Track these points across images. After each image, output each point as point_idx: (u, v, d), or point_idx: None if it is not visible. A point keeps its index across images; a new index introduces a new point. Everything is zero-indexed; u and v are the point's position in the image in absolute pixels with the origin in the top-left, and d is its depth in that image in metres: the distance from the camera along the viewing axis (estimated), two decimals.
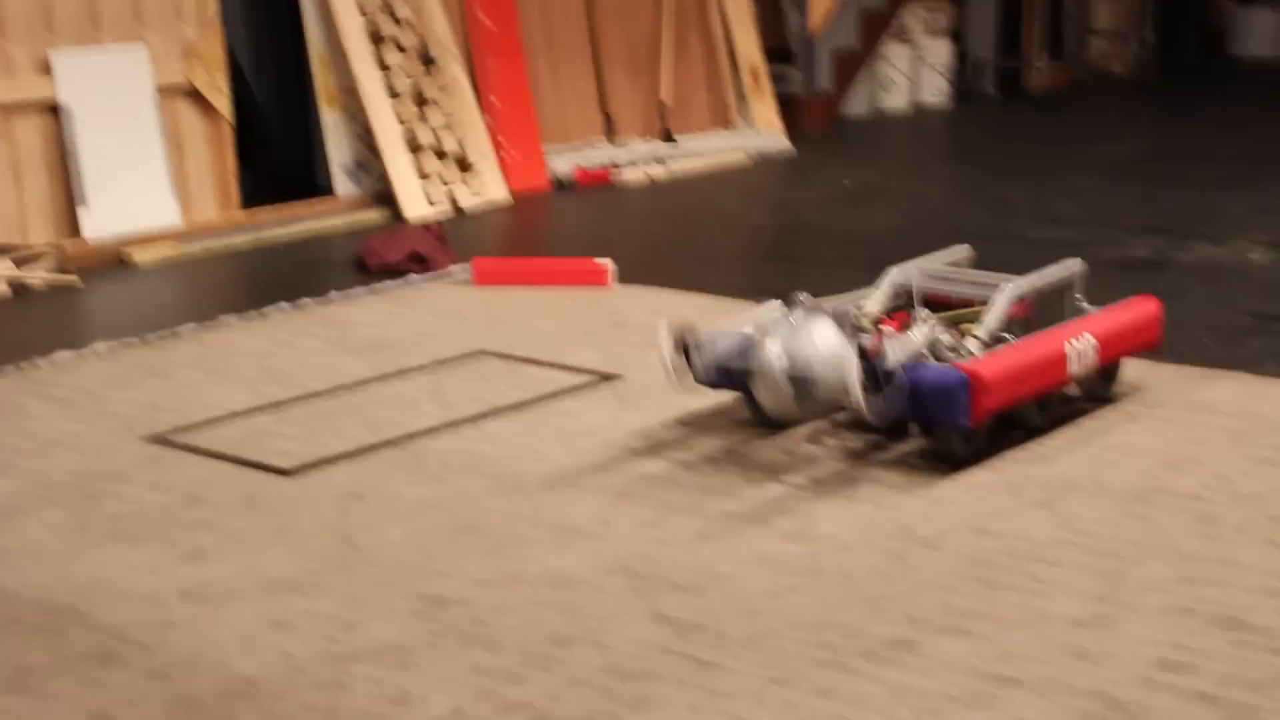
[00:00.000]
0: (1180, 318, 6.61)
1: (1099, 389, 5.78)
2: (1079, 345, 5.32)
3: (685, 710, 3.69)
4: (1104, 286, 7.08)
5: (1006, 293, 5.46)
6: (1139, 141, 10.75)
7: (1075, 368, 5.34)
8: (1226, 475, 4.96)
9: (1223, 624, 4.02)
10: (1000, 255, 7.74)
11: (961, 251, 6.30)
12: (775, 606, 4.19)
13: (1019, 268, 7.45)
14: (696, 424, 5.60)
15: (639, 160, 10.25)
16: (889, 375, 4.95)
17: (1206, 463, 5.06)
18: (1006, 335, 5.43)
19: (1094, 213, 8.71)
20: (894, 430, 5.37)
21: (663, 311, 6.96)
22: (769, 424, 5.52)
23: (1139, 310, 5.86)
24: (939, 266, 6.13)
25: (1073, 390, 5.70)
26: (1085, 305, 5.91)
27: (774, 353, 5.16)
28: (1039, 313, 5.78)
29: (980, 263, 7.54)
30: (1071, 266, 5.96)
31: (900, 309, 5.81)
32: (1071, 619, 4.09)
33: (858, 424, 5.44)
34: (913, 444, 5.28)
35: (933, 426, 5.18)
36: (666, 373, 5.31)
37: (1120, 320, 5.73)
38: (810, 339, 5.16)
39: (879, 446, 5.33)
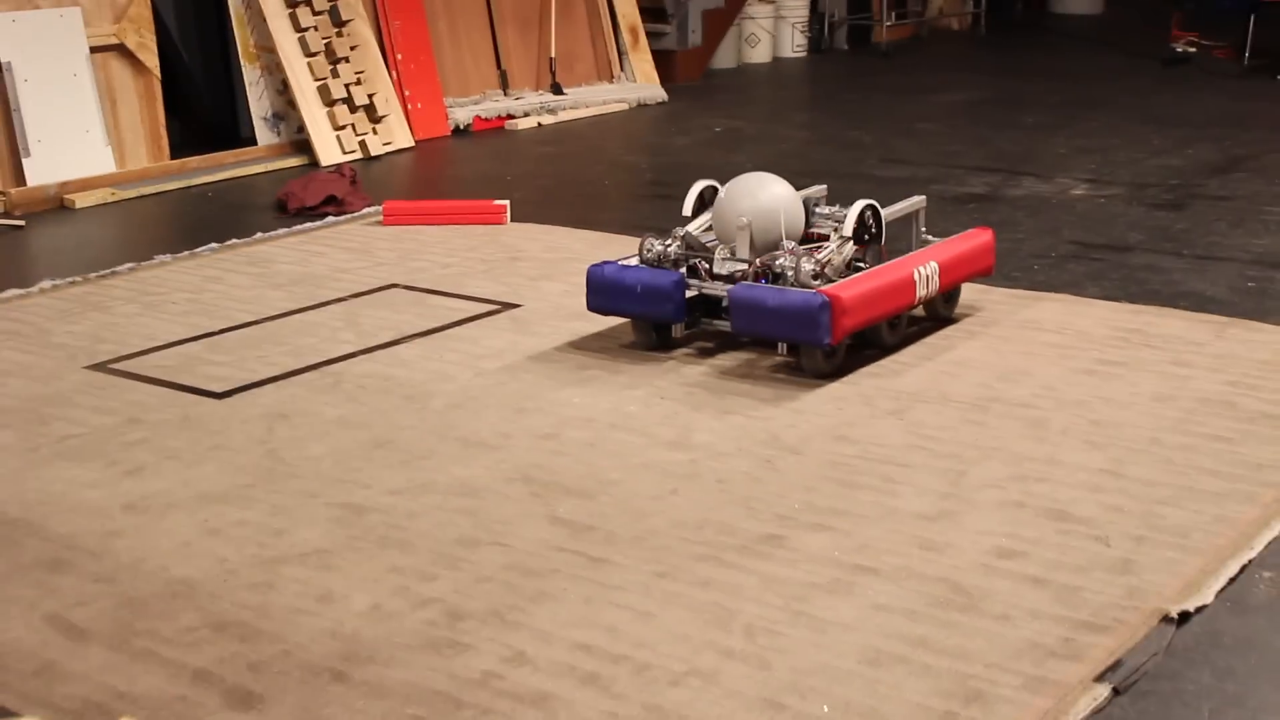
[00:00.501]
0: (1011, 246, 6.69)
1: (941, 310, 5.79)
2: (925, 271, 5.31)
3: (581, 602, 3.72)
4: (945, 219, 7.17)
5: (857, 205, 5.43)
6: (974, 90, 10.81)
7: (922, 291, 5.33)
8: (1053, 385, 5.02)
9: (1050, 516, 4.08)
10: (853, 192, 7.79)
11: (820, 190, 6.10)
12: (659, 508, 4.22)
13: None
14: (586, 347, 5.60)
15: (531, 110, 10.25)
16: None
17: (1035, 374, 5.12)
18: (861, 264, 5.39)
19: (935, 153, 8.76)
20: (762, 347, 5.38)
21: (555, 246, 6.98)
22: (652, 347, 5.47)
23: (976, 240, 5.86)
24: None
25: (919, 312, 5.69)
26: (929, 237, 5.93)
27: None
28: (889, 245, 5.68)
29: (835, 200, 7.60)
30: (916, 202, 5.93)
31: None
32: (919, 514, 4.13)
33: (731, 343, 5.47)
34: (779, 360, 5.30)
35: (798, 344, 5.10)
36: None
37: (960, 249, 5.70)
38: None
39: (749, 364, 5.35)
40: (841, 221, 5.49)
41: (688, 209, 5.69)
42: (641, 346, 5.48)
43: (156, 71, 8.91)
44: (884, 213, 5.59)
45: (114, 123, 8.77)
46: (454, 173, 8.87)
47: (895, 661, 3.42)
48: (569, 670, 3.45)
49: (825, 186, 6.13)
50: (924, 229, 5.99)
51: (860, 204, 5.40)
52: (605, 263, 5.45)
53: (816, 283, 5.02)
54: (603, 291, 5.39)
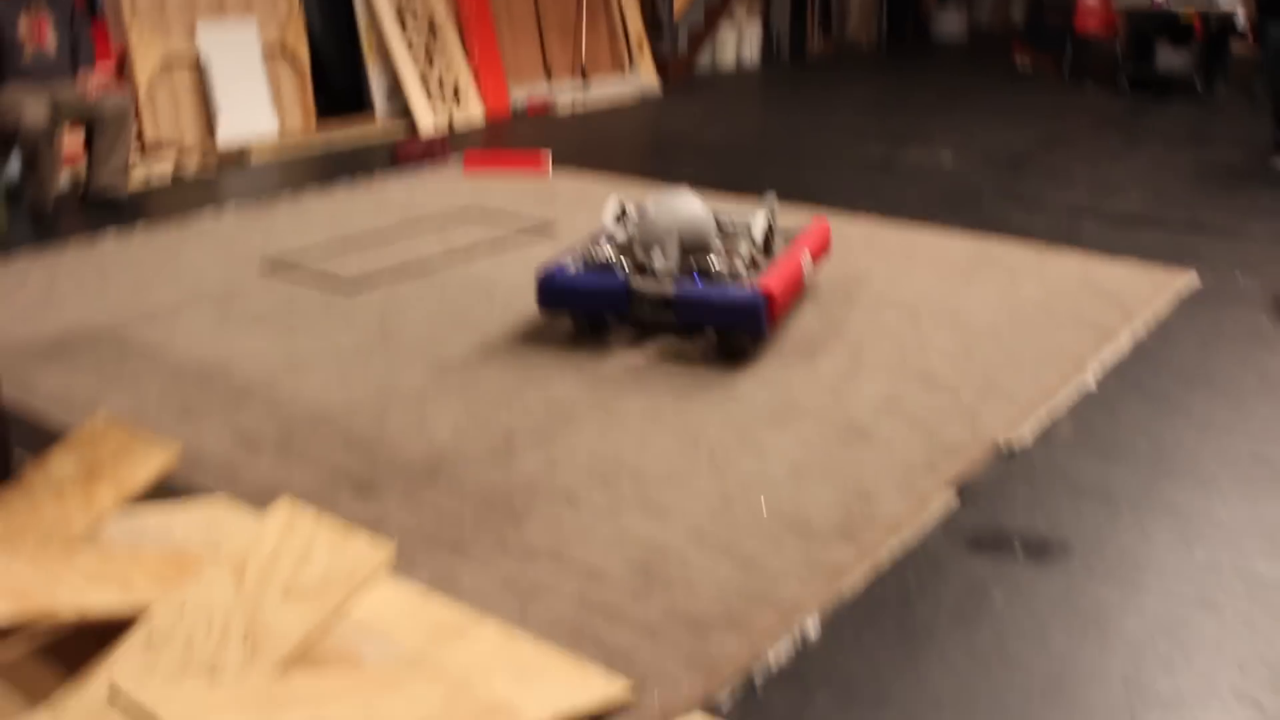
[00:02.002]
0: (898, 193, 6.67)
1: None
2: (806, 261, 4.66)
3: (596, 430, 3.76)
4: (855, 178, 7.15)
5: (760, 219, 4.65)
6: (874, 87, 10.76)
7: (809, 277, 4.75)
8: (924, 289, 5.05)
9: (921, 378, 4.12)
10: (784, 157, 7.80)
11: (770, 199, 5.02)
12: (654, 368, 4.25)
13: (805, 173, 7.51)
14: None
15: (567, 96, 10.19)
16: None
17: (914, 282, 5.14)
18: (760, 258, 4.63)
19: (846, 129, 8.74)
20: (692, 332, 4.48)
21: (582, 189, 6.97)
22: (587, 336, 4.58)
23: (820, 229, 5.02)
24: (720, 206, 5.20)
25: None
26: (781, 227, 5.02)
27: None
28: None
29: (760, 162, 7.60)
30: (770, 200, 4.89)
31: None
32: (832, 374, 4.17)
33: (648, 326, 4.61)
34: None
35: (732, 332, 4.26)
36: (605, 227, 4.79)
37: (817, 239, 4.90)
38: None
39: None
40: (743, 230, 4.75)
41: (608, 220, 4.80)
42: (584, 334, 4.57)
43: (306, 62, 8.87)
44: (763, 214, 4.73)
45: (278, 99, 8.73)
46: (512, 138, 8.85)
47: (813, 473, 3.47)
48: (587, 474, 3.50)
49: (773, 193, 5.21)
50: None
51: (761, 217, 4.65)
52: (553, 270, 4.47)
53: (742, 281, 4.31)
54: (555, 293, 4.45)
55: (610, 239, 4.70)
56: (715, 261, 4.39)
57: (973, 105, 9.68)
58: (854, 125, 8.91)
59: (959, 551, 3.07)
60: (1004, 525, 3.19)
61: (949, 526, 3.19)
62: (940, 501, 3.29)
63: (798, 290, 4.59)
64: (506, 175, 7.51)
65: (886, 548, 3.07)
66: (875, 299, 4.94)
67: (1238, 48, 10.44)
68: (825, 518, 3.21)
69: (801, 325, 4.64)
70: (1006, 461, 3.55)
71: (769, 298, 4.17)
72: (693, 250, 4.50)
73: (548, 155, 7.58)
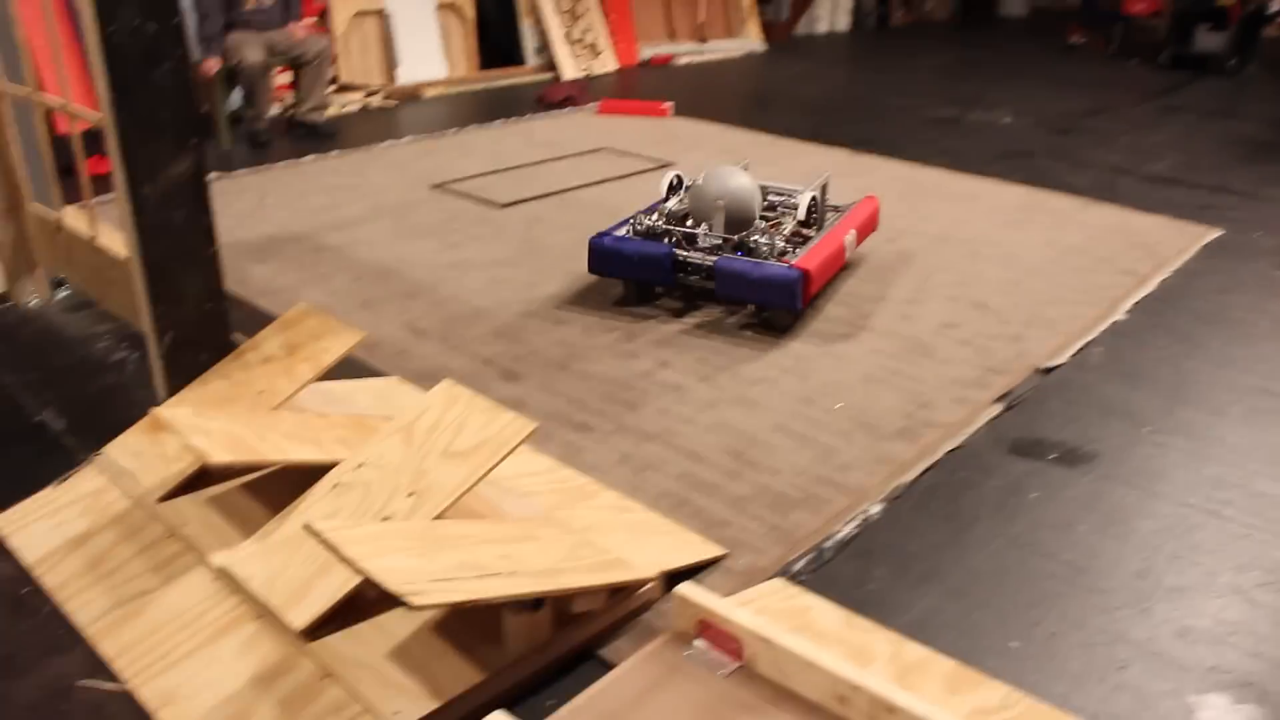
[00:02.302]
0: (964, 150, 6.49)
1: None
2: (849, 239, 4.09)
3: (701, 336, 3.74)
4: (928, 133, 6.96)
5: (805, 197, 4.08)
6: (946, 56, 10.40)
7: (849, 255, 4.14)
8: (983, 230, 4.91)
9: (976, 306, 4.02)
10: (868, 113, 7.61)
11: (824, 176, 4.40)
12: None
13: (884, 127, 7.31)
14: None
15: (686, 52, 10.01)
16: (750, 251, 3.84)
17: (974, 224, 5.01)
18: (811, 219, 4.15)
19: (922, 92, 8.48)
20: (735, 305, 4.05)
21: (698, 131, 6.87)
22: (634, 303, 4.06)
23: (870, 207, 4.40)
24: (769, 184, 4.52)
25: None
26: (834, 204, 4.44)
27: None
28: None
29: (849, 116, 7.42)
30: (823, 177, 4.29)
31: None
32: (902, 299, 4.09)
33: (695, 295, 3.96)
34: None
35: (770, 308, 3.80)
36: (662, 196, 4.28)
37: (863, 216, 4.29)
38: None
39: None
40: (791, 207, 4.23)
41: (663, 191, 4.28)
42: (629, 301, 4.07)
43: (472, 20, 8.80)
44: (815, 188, 4.20)
45: (447, 48, 8.68)
46: (640, 86, 8.73)
47: (881, 382, 3.42)
48: (693, 373, 3.49)
49: (829, 175, 4.51)
50: (828, 199, 4.41)
51: (808, 195, 4.09)
52: (603, 234, 4.02)
53: (785, 257, 3.80)
54: (603, 258, 3.98)
55: (664, 209, 4.17)
56: (757, 236, 3.86)
57: (1031, 75, 9.34)
58: (928, 88, 8.65)
59: (1002, 454, 3.02)
60: (1041, 434, 3.13)
61: (994, 433, 3.14)
62: (988, 412, 3.24)
63: (836, 266, 4.01)
64: (633, 115, 7.43)
65: (941, 448, 3.03)
66: (941, 237, 4.83)
67: (1269, 31, 9.94)
68: (890, 420, 3.17)
69: (877, 256, 4.55)
70: (1045, 381, 3.47)
71: (805, 275, 3.66)
72: (740, 224, 3.98)
73: (670, 105, 7.47)
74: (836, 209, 4.36)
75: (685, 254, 3.89)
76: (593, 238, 4.02)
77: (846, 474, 2.88)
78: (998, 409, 3.26)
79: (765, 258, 3.79)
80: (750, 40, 10.73)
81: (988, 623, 2.35)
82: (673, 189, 4.35)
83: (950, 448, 3.03)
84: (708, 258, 3.85)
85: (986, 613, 2.38)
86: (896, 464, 2.94)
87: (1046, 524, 2.70)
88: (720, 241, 3.91)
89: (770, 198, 4.37)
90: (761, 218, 4.18)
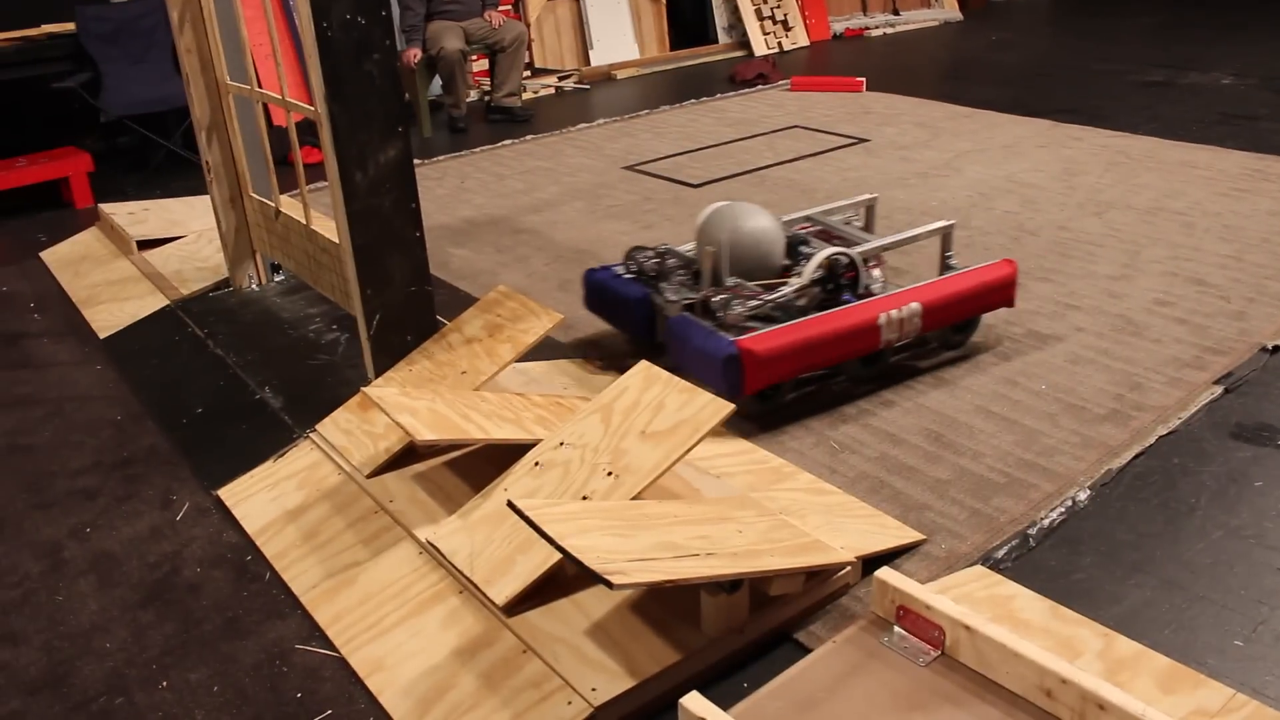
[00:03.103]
0: (1179, 115, 6.14)
1: (951, 340, 3.36)
2: (898, 315, 3.05)
3: None
4: (1137, 100, 6.61)
5: (821, 254, 3.13)
6: (1156, 15, 9.86)
7: (890, 335, 3.07)
8: (1199, 201, 4.64)
9: (1193, 281, 3.81)
10: (1071, 80, 7.27)
11: (868, 198, 3.72)
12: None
13: (1089, 94, 6.98)
14: (917, 159, 5.41)
15: (879, 25, 9.80)
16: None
17: (1189, 194, 4.73)
18: (873, 289, 3.23)
19: (1130, 54, 8.06)
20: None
21: (892, 105, 6.72)
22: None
23: (993, 274, 3.27)
24: (825, 219, 3.65)
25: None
26: (954, 264, 3.43)
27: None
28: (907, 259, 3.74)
29: (1051, 84, 7.09)
30: (939, 227, 3.43)
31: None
32: (1108, 275, 3.91)
33: None
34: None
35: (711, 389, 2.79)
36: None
37: (961, 286, 3.20)
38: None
39: None
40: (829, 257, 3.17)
41: (698, 224, 3.35)
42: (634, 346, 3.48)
43: (664, 2, 8.85)
44: (892, 239, 3.38)
45: (639, 30, 8.75)
46: (832, 61, 8.59)
47: (1088, 362, 3.28)
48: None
49: (875, 198, 3.77)
50: (950, 253, 3.44)
51: (826, 252, 3.13)
52: (601, 268, 3.46)
53: (750, 325, 2.99)
54: (592, 294, 3.46)
55: (669, 249, 3.42)
56: (721, 296, 3.06)
57: (1254, 30, 8.76)
58: (1137, 51, 8.21)
59: (1222, 439, 2.85)
60: (1266, 418, 2.94)
61: (1213, 417, 2.96)
62: (1206, 394, 3.06)
63: (833, 355, 3.01)
64: (826, 91, 7.31)
65: (1154, 432, 2.88)
66: (1152, 209, 4.58)
67: None
68: (1098, 402, 3.03)
69: (1082, 230, 4.36)
70: (1271, 361, 3.25)
71: (741, 356, 2.84)
72: (748, 277, 3.19)
73: (863, 80, 7.32)
74: (952, 268, 3.45)
75: (661, 304, 3.25)
76: (588, 270, 3.50)
77: (1052, 458, 2.77)
78: (1217, 391, 3.07)
79: (724, 326, 3.01)
80: (946, 9, 10.42)
81: (1206, 619, 2.22)
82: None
83: (1164, 432, 2.88)
84: (670, 311, 3.19)
85: (1205, 608, 2.25)
86: (1105, 448, 2.80)
87: (1273, 514, 2.53)
88: (695, 296, 3.18)
89: (807, 249, 3.37)
90: (788, 268, 3.31)
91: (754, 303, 3.05)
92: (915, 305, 3.12)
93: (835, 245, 3.34)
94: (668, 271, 3.33)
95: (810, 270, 3.12)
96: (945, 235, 3.45)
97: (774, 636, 2.22)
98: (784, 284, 3.15)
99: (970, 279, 3.27)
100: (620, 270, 3.44)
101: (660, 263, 3.36)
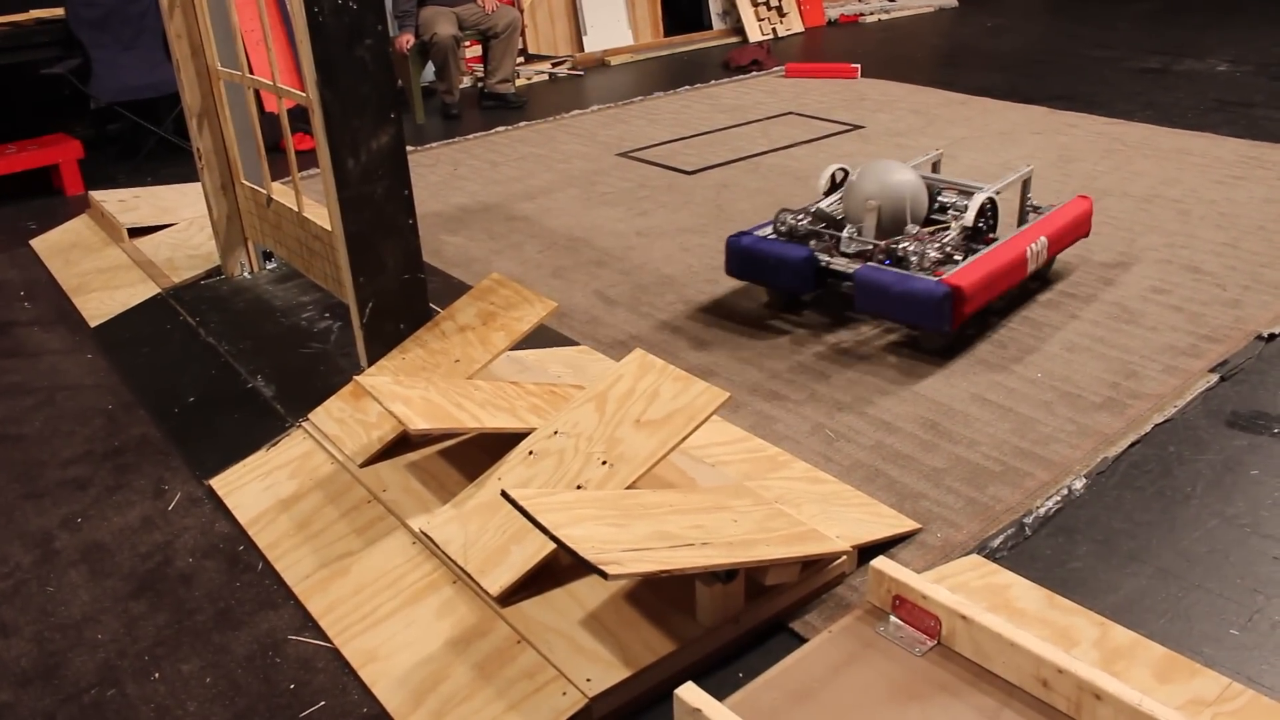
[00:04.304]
0: (1173, 102, 6.13)
1: (1043, 272, 3.80)
2: (1035, 248, 3.45)
3: None
4: (1132, 87, 6.60)
5: (979, 197, 3.49)
6: (1154, 3, 9.83)
7: (1032, 266, 3.45)
8: (1195, 188, 4.63)
9: (1188, 269, 3.80)
10: (1067, 67, 7.25)
11: (934, 154, 4.09)
12: None
13: (1085, 81, 6.96)
14: (910, 145, 5.40)
15: (873, 11, 9.77)
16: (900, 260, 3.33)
17: (1185, 182, 4.73)
18: (981, 225, 3.53)
19: (1126, 41, 8.05)
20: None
21: (887, 92, 6.70)
22: (783, 309, 3.67)
23: (1079, 209, 3.75)
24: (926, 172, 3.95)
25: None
26: (1035, 204, 3.83)
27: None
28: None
29: (1046, 71, 7.08)
30: (1024, 173, 3.76)
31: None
32: (1104, 263, 3.90)
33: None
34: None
35: (916, 328, 3.28)
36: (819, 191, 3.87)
37: (1065, 220, 3.66)
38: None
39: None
40: (962, 212, 3.61)
41: (822, 186, 3.83)
42: (776, 307, 3.67)
43: None
44: (1001, 184, 3.66)
45: (633, 16, 8.72)
46: (827, 47, 8.56)
47: (1083, 350, 3.27)
48: (885, 343, 3.40)
49: (941, 151, 4.16)
50: (1030, 196, 3.82)
51: (981, 196, 3.50)
52: (743, 233, 3.65)
53: (940, 269, 3.29)
54: (740, 260, 3.61)
55: (817, 208, 3.68)
56: (907, 243, 3.34)
57: (1251, 15, 8.75)
58: (1132, 37, 8.20)
59: (1218, 428, 2.85)
60: (1262, 406, 2.94)
61: (1209, 405, 2.96)
62: (1202, 382, 3.05)
63: (1009, 282, 3.37)
64: (821, 78, 7.29)
65: (1149, 420, 2.87)
66: (1148, 196, 4.58)
67: None
68: (1094, 390, 3.03)
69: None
70: (1267, 349, 3.25)
71: (955, 292, 3.10)
72: (900, 228, 3.52)
73: (858, 66, 7.30)
74: (1037, 209, 3.82)
75: (829, 260, 3.47)
76: (731, 237, 3.67)
77: (1048, 447, 2.76)
78: (1213, 379, 3.07)
79: (915, 269, 3.29)
80: None
81: (1202, 607, 2.22)
82: (836, 184, 3.89)
83: (1160, 420, 2.87)
84: (851, 265, 3.42)
85: (1201, 596, 2.25)
86: (1101, 437, 2.80)
87: (1268, 503, 2.53)
88: (870, 247, 3.46)
89: (944, 198, 3.77)
90: (932, 220, 3.69)
91: (937, 246, 3.33)
92: (1044, 239, 3.53)
93: (960, 195, 3.77)
94: (816, 229, 3.60)
95: (972, 213, 3.48)
96: (1026, 181, 3.79)
97: (769, 626, 2.21)
98: (946, 228, 3.51)
99: (1068, 213, 3.72)
100: (767, 232, 3.64)
101: (818, 222, 3.63)
